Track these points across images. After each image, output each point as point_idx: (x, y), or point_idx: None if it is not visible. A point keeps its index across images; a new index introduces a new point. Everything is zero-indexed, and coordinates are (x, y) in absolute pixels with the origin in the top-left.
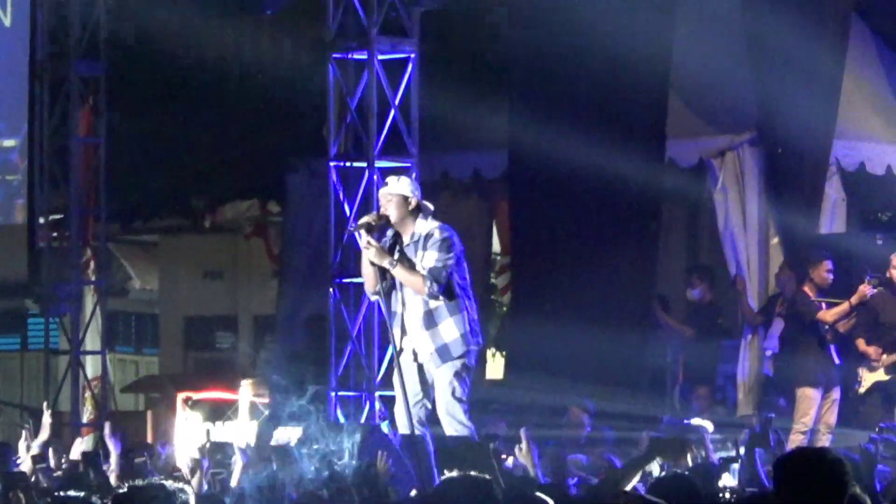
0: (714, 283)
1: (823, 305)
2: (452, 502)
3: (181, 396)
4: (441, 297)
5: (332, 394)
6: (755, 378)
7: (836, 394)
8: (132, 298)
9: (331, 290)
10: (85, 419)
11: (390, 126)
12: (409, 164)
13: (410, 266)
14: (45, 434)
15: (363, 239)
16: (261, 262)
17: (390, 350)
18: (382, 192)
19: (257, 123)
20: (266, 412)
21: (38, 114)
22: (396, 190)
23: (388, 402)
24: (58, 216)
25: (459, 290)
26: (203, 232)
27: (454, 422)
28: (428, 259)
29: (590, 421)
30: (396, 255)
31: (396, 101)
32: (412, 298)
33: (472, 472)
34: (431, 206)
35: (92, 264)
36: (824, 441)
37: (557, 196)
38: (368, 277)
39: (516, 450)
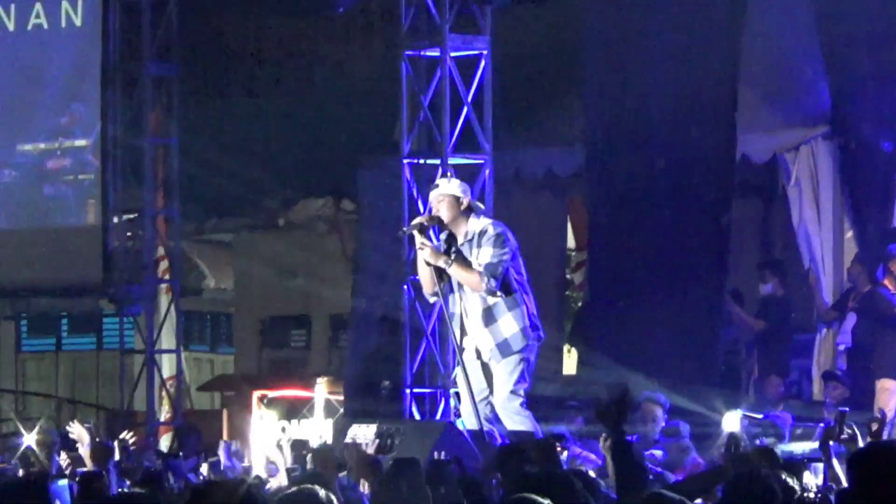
0: (785, 277)
1: None
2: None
3: (256, 395)
4: (498, 293)
5: (407, 391)
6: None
7: None
8: (207, 298)
9: (405, 287)
10: (162, 418)
11: (463, 123)
12: (482, 161)
13: (466, 264)
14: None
15: (417, 240)
16: (335, 260)
17: None
18: (433, 193)
19: (330, 121)
20: (341, 410)
21: (110, 114)
22: (447, 191)
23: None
24: (131, 216)
25: (517, 284)
26: (277, 230)
27: (511, 414)
28: (483, 256)
29: (664, 416)
30: (452, 255)
31: (469, 99)
32: (470, 297)
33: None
34: (482, 206)
35: (165, 263)
36: None
37: (632, 192)
38: (425, 279)
39: (601, 442)
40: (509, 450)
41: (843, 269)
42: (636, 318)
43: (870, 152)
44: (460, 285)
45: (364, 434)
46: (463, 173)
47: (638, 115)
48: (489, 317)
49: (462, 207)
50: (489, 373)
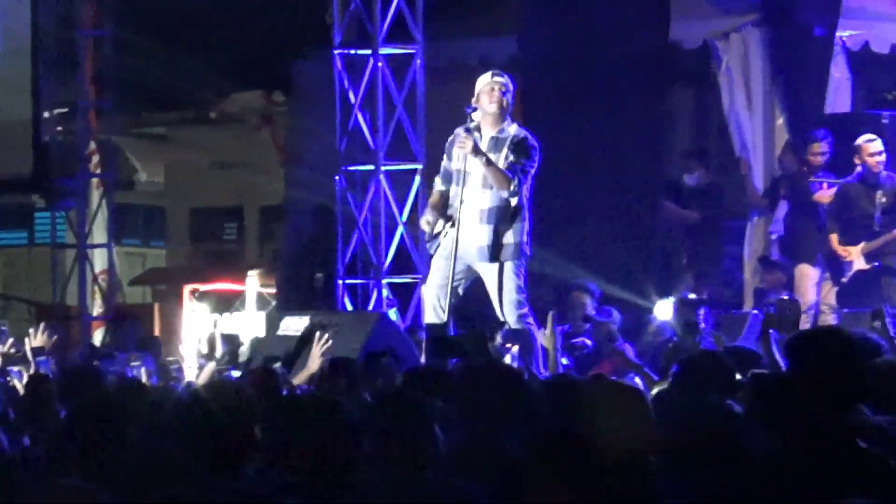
0: (710, 165)
1: (825, 185)
2: (476, 388)
3: (188, 288)
4: (510, 198)
5: (340, 282)
6: (770, 259)
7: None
8: (139, 191)
9: (337, 178)
10: (94, 313)
11: (395, 12)
12: (414, 51)
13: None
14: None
15: (473, 123)
16: (268, 152)
17: (397, 237)
18: (497, 80)
19: (261, 13)
20: (273, 302)
21: (41, 6)
22: (509, 86)
23: (396, 288)
24: (63, 110)
25: (525, 200)
26: (209, 123)
27: (521, 321)
28: (516, 158)
29: (594, 305)
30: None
31: None
32: (478, 191)
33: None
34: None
35: (97, 157)
36: (829, 320)
37: (567, 81)
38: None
39: (539, 333)
40: (443, 342)
41: (774, 157)
42: (571, 207)
43: (802, 38)
44: (465, 181)
45: (296, 326)
46: (394, 63)
47: (572, 4)
48: (492, 216)
49: (505, 105)
50: (460, 266)
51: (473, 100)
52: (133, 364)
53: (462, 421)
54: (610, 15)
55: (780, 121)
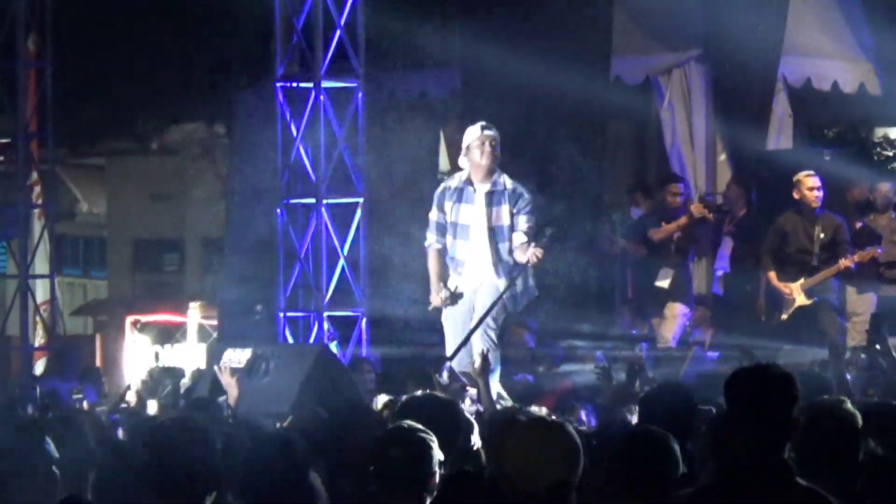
0: (656, 199)
1: (663, 224)
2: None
3: (130, 319)
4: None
5: (281, 314)
6: (706, 296)
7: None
8: (80, 222)
9: (278, 210)
10: (36, 344)
11: (336, 46)
12: (354, 84)
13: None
14: None
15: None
16: (209, 183)
17: (338, 270)
18: (487, 133)
19: (203, 44)
20: (214, 334)
21: None
22: (497, 138)
23: (336, 322)
24: (4, 140)
25: None
26: (150, 154)
27: (492, 336)
28: (524, 223)
29: (532, 339)
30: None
31: (342, 22)
32: (487, 244)
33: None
34: None
35: (39, 188)
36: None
37: (508, 115)
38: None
39: (470, 367)
40: (386, 377)
41: (715, 193)
42: None
43: (744, 75)
44: (465, 230)
45: (238, 358)
46: (336, 97)
47: (513, 38)
48: (508, 265)
49: (496, 158)
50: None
51: (462, 153)
52: (76, 396)
53: None
54: (552, 50)
55: (723, 157)
